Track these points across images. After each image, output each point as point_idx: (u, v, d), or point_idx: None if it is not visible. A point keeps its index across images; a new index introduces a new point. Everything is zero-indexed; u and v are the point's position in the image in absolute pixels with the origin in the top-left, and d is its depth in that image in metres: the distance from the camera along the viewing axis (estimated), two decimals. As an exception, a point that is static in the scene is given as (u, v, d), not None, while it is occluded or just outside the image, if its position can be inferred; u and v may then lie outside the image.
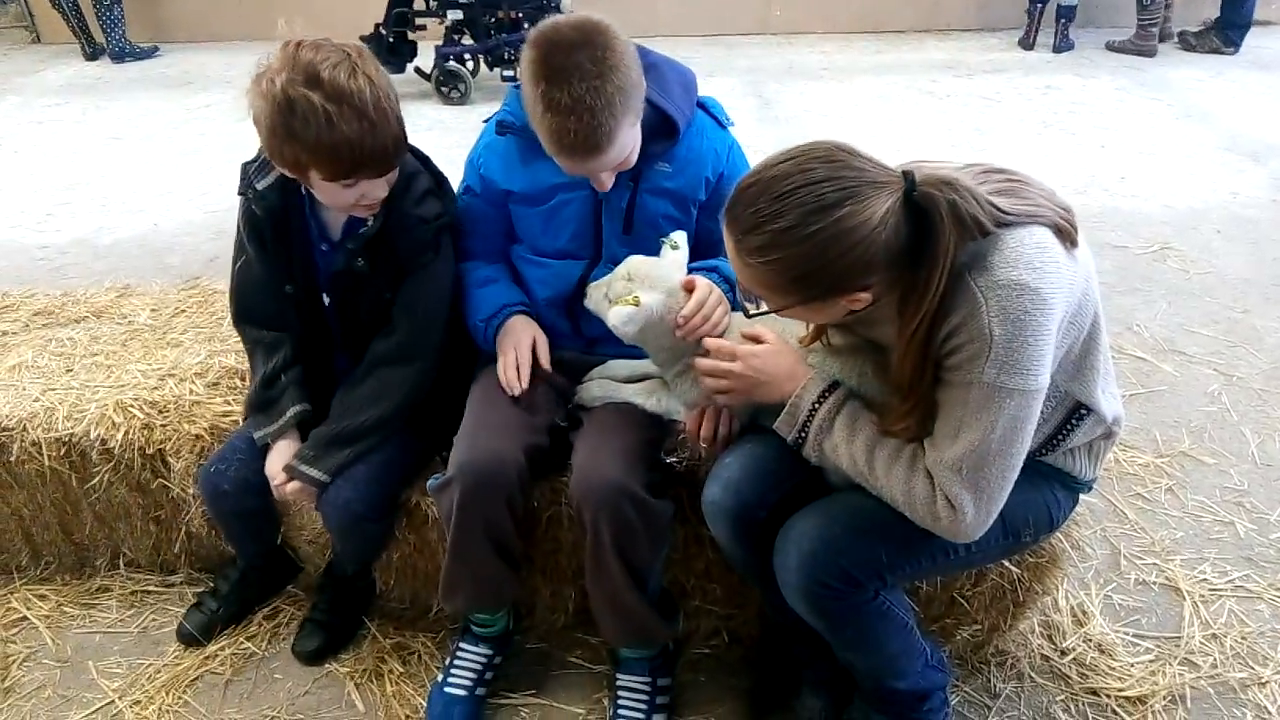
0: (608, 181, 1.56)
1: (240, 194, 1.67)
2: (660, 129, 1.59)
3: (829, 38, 6.86)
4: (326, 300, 1.74)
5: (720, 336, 1.49)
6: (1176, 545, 2.13)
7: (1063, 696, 1.77)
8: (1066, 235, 1.21)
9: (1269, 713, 1.74)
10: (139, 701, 1.79)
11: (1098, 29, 6.63)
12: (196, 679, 1.84)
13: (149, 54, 6.55)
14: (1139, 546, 2.13)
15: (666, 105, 1.58)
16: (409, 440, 1.75)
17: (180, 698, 1.80)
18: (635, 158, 1.56)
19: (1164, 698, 1.76)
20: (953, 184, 1.14)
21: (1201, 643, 1.88)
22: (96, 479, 1.90)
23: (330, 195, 1.57)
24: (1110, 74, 5.78)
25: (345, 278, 1.68)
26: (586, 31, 1.41)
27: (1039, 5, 6.24)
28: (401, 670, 1.84)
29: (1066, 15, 6.19)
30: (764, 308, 1.30)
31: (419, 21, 5.39)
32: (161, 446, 1.85)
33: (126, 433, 1.85)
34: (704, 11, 6.92)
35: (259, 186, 1.64)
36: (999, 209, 1.17)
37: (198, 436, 1.85)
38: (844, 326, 1.39)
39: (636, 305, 1.44)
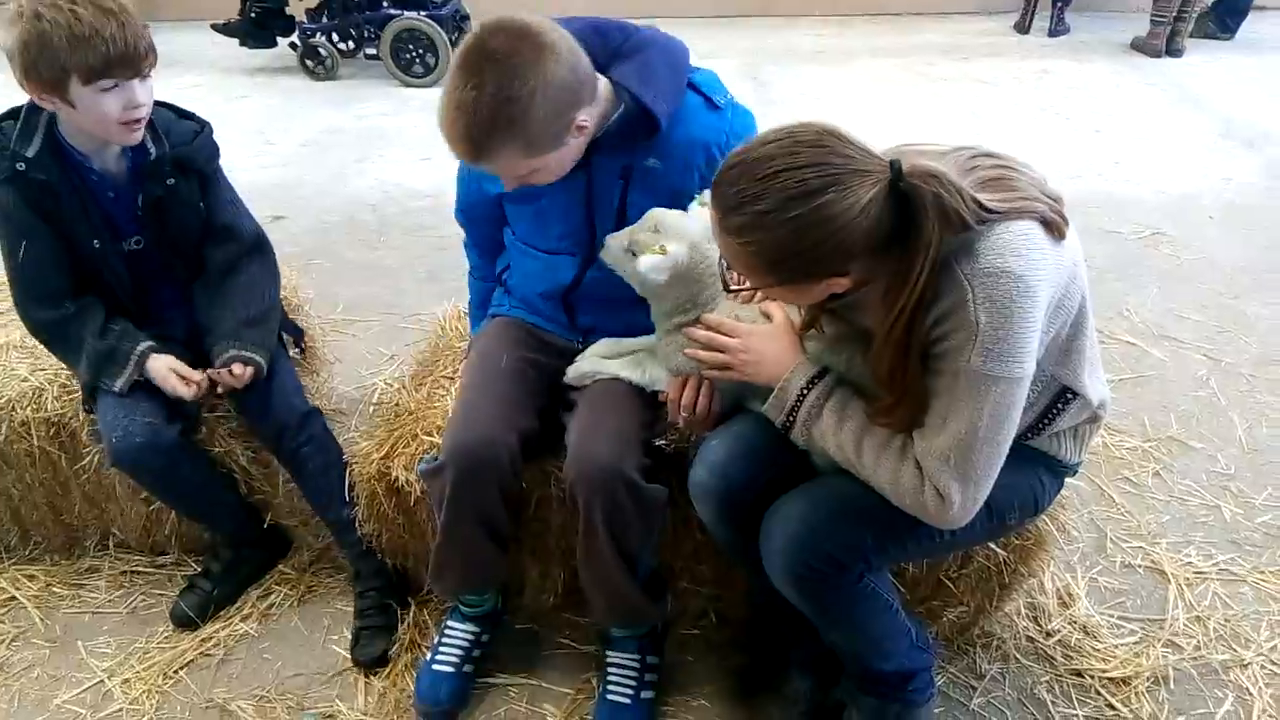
0: (506, 185, 1.53)
1: (3, 179, 1.65)
2: (643, 123, 1.52)
3: (827, 20, 6.82)
4: (133, 244, 1.79)
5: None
6: (1163, 529, 2.15)
7: (1047, 677, 1.79)
8: (1054, 227, 1.20)
9: (1250, 694, 1.75)
10: (128, 680, 1.80)
11: (1095, 13, 6.60)
12: (188, 660, 1.84)
13: (218, 27, 6.47)
14: (1125, 530, 2.14)
15: (648, 99, 1.49)
16: None
17: (170, 677, 1.81)
18: (547, 178, 1.49)
19: (1147, 679, 1.77)
20: (939, 177, 1.13)
21: (1185, 625, 1.89)
22: (86, 459, 1.89)
23: (95, 111, 1.59)
24: (1106, 59, 5.76)
25: (157, 205, 1.75)
26: (516, 50, 1.33)
27: (1035, -11, 6.22)
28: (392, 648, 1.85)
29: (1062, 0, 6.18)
30: (747, 283, 1.30)
31: None
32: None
33: (115, 413, 1.84)
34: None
35: (29, 155, 1.65)
36: (983, 205, 1.16)
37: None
38: (835, 314, 1.38)
39: (663, 254, 1.44)
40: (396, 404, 1.91)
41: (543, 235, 1.69)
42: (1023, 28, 6.35)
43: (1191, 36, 5.89)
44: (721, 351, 1.44)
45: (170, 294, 1.87)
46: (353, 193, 3.98)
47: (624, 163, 1.57)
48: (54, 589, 2.01)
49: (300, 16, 5.46)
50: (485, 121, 1.35)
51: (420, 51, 5.26)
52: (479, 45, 1.34)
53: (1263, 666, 1.81)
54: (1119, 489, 2.26)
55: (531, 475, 1.69)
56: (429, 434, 1.74)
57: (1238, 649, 1.85)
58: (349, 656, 1.84)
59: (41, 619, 1.94)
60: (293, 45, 5.50)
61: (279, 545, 2.04)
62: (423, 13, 5.20)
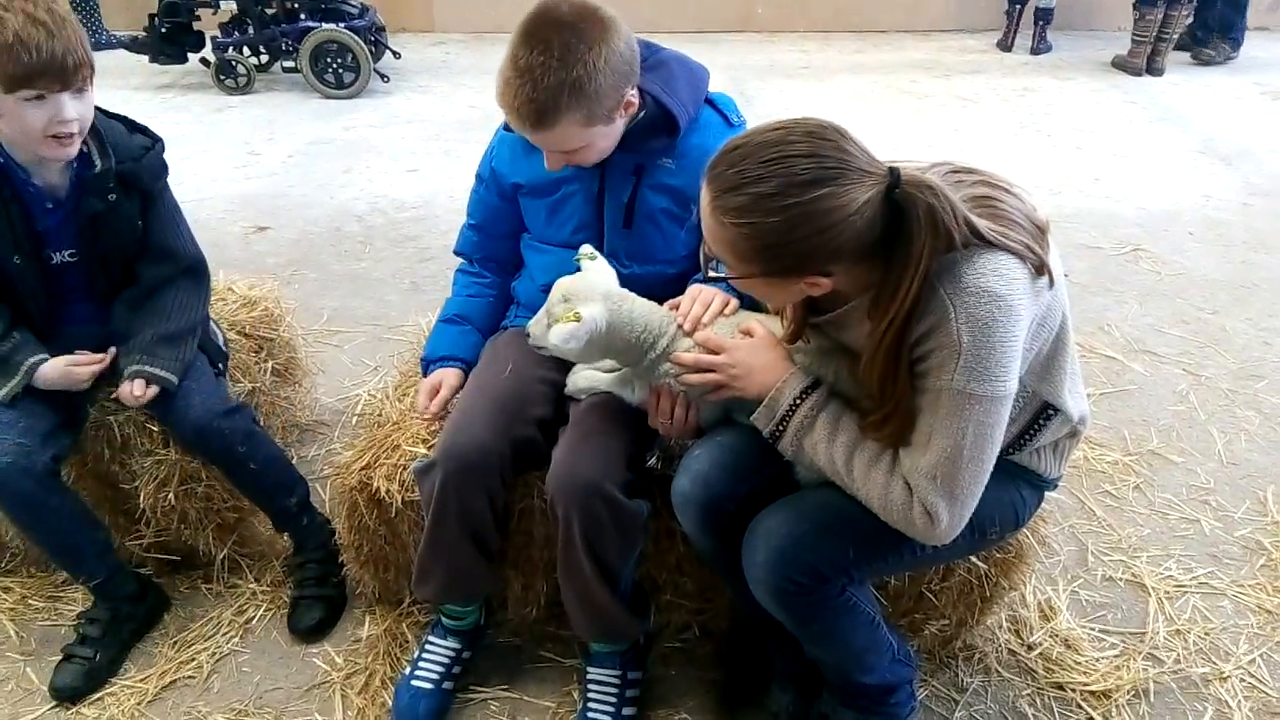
0: (550, 163, 1.57)
1: None
2: (663, 125, 1.59)
3: (810, 36, 6.88)
4: (66, 255, 1.75)
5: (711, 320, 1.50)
6: (1143, 542, 2.16)
7: (1029, 690, 1.79)
8: (1036, 267, 1.21)
9: (1229, 707, 1.76)
10: (100, 698, 1.77)
11: (1076, 32, 6.68)
12: (165, 674, 1.82)
13: (126, 43, 6.46)
14: (1106, 543, 2.15)
15: (669, 101, 1.57)
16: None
17: (145, 691, 1.79)
18: (592, 157, 1.56)
19: (1128, 692, 1.78)
20: (935, 190, 1.14)
21: (1165, 638, 1.91)
22: (64, 472, 1.87)
23: (18, 121, 1.56)
24: (1088, 77, 5.83)
25: (94, 220, 1.71)
26: (583, 19, 1.41)
27: (1018, 7, 6.29)
28: (373, 662, 1.83)
29: (1044, 18, 6.25)
30: (724, 272, 1.29)
31: (196, 12, 5.35)
32: (129, 440, 1.83)
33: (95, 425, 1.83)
34: (687, 8, 6.91)
35: None
36: (974, 229, 1.17)
37: (163, 430, 1.83)
38: (819, 329, 1.39)
39: (578, 320, 1.42)
40: (379, 414, 1.91)
41: (557, 229, 1.72)
42: (1005, 46, 6.42)
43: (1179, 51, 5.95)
44: (710, 371, 1.44)
45: (85, 310, 1.82)
46: (338, 204, 3.97)
47: (638, 161, 1.62)
48: (30, 601, 1.98)
49: (212, 31, 5.39)
50: (555, 86, 1.39)
51: (339, 63, 5.26)
52: (546, 13, 1.40)
53: (1242, 679, 1.82)
54: (1100, 502, 2.27)
55: (516, 486, 1.68)
56: (411, 444, 1.74)
57: (1217, 662, 1.86)
58: (323, 668, 1.82)
59: (16, 631, 1.91)
60: (204, 61, 5.41)
61: (159, 603, 1.96)
62: (341, 24, 5.22)
